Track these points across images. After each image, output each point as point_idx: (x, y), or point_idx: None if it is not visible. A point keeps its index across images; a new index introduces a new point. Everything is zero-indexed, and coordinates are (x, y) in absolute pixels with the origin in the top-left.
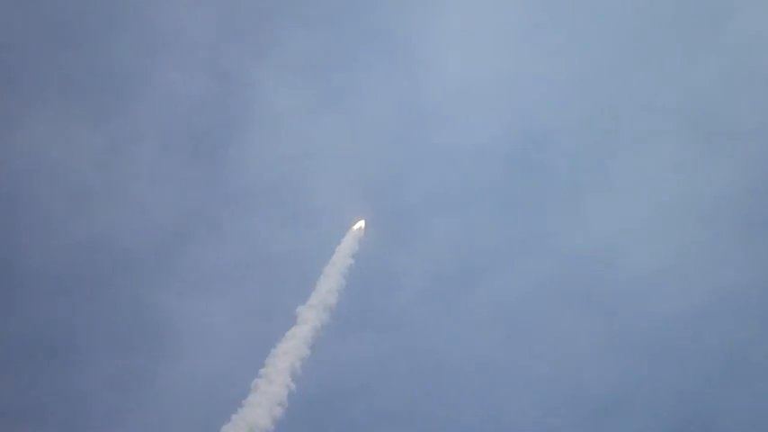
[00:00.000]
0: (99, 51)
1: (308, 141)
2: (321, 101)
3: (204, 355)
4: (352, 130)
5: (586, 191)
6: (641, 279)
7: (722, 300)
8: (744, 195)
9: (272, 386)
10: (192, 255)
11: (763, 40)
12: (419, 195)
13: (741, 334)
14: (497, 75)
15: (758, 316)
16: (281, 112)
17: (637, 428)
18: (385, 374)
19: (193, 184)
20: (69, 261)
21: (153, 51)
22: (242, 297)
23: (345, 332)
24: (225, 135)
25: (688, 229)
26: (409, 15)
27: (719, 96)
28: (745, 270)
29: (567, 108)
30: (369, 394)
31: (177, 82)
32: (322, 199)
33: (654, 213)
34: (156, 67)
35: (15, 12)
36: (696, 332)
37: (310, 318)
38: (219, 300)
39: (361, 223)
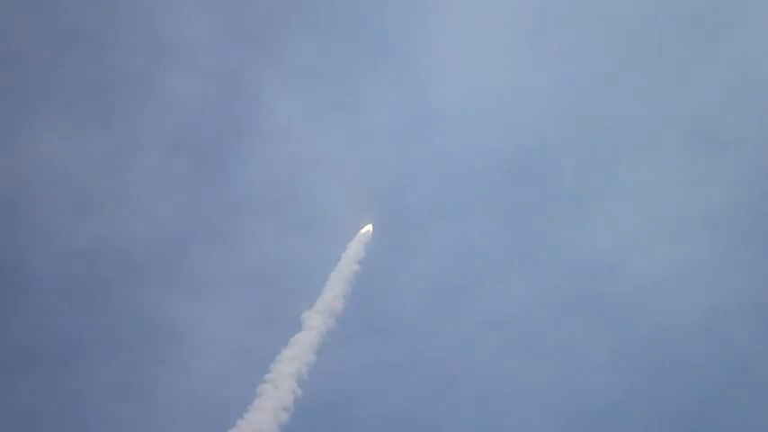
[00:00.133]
0: (104, 56)
1: (313, 148)
2: (326, 108)
3: (209, 360)
4: (358, 138)
5: (589, 200)
6: (643, 289)
7: (724, 309)
8: (747, 205)
9: (278, 391)
10: (197, 260)
11: (765, 52)
12: (423, 203)
13: (743, 344)
14: (502, 83)
15: (760, 326)
16: (286, 119)
17: None
18: (389, 381)
19: (199, 190)
20: (73, 266)
21: (159, 57)
22: (247, 303)
23: (350, 338)
24: (230, 141)
25: (690, 239)
26: (415, 23)
27: (722, 106)
28: (748, 280)
29: (571, 117)
30: (373, 400)
31: (183, 88)
32: (327, 206)
33: (656, 223)
34: (161, 72)
35: (20, 17)
36: (698, 342)
37: (316, 323)
38: (225, 305)
39: (369, 227)
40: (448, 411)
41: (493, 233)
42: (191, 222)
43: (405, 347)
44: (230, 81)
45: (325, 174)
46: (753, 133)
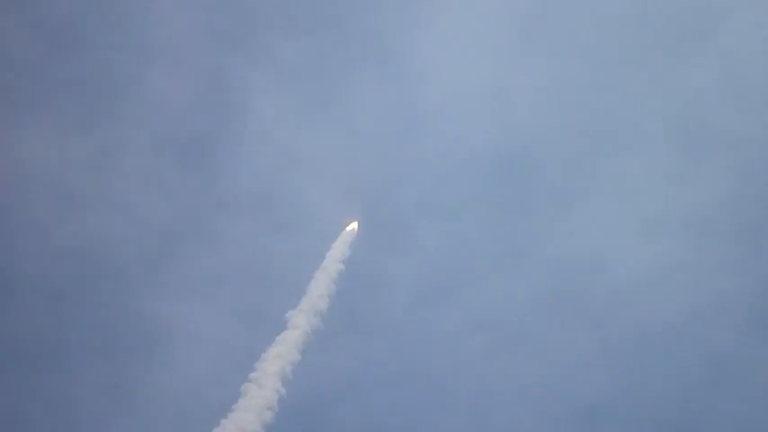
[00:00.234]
0: (90, 56)
1: (299, 147)
2: (312, 107)
3: (194, 359)
4: (344, 137)
5: (576, 199)
6: (629, 288)
7: (710, 308)
8: (732, 204)
9: (262, 390)
10: (182, 259)
11: (753, 48)
12: (409, 202)
13: (729, 342)
14: (488, 83)
15: (746, 324)
16: (271, 118)
17: None
18: (374, 380)
19: (184, 190)
20: (59, 266)
21: (144, 57)
22: (232, 302)
23: (335, 337)
24: (215, 140)
25: (676, 238)
26: (401, 23)
27: (709, 104)
28: (734, 278)
29: (558, 116)
30: (358, 400)
31: (168, 87)
32: (312, 204)
33: (642, 222)
34: (146, 72)
35: (3, 17)
36: (684, 340)
37: (301, 322)
38: (209, 304)
39: (354, 225)
40: (434, 411)
41: (480, 232)
42: (176, 221)
43: (390, 347)
44: (216, 80)
45: (310, 173)
46: (739, 132)
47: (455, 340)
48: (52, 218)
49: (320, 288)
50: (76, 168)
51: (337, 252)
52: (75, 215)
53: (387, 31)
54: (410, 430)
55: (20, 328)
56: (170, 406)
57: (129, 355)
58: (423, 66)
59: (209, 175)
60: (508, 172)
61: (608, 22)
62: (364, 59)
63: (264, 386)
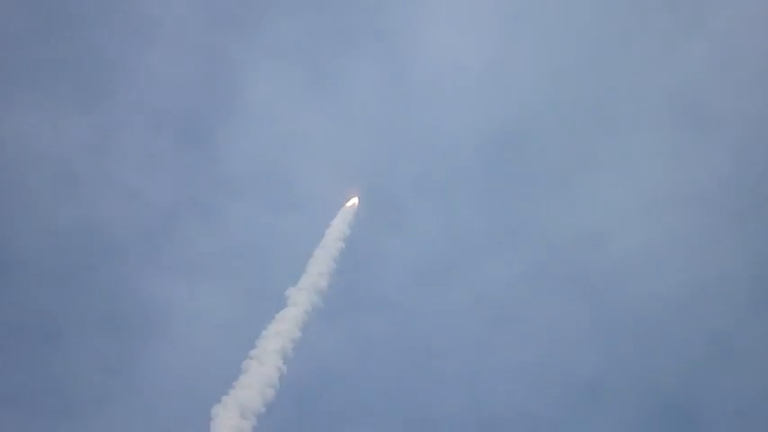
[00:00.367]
0: (86, 37)
1: (296, 126)
2: (309, 86)
3: (194, 336)
4: (341, 115)
5: (574, 177)
6: (628, 264)
7: (708, 284)
8: (730, 180)
9: (263, 367)
10: (181, 239)
11: (750, 26)
12: (407, 180)
13: (727, 318)
14: (485, 60)
15: (744, 300)
16: (269, 97)
17: (622, 412)
18: (374, 357)
19: (182, 169)
20: (58, 246)
21: (141, 37)
22: (232, 280)
23: (335, 315)
24: (214, 120)
25: (674, 214)
26: (397, 1)
27: (707, 81)
28: (732, 255)
29: (555, 93)
30: (358, 377)
31: (166, 67)
32: (311, 182)
33: (640, 198)
34: (144, 52)
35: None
36: (682, 316)
37: (301, 300)
38: (209, 283)
39: (355, 200)
40: (432, 387)
41: (476, 210)
42: (176, 201)
43: (389, 324)
44: (213, 60)
45: (308, 151)
46: (737, 110)
47: (453, 317)
48: (51, 198)
49: (320, 266)
50: (76, 148)
51: (337, 229)
52: (73, 196)
53: (383, 9)
54: (409, 406)
55: (19, 309)
56: (171, 383)
57: (129, 333)
58: (420, 44)
59: (207, 155)
60: (506, 149)
61: None
62: (362, 38)
63: (265, 363)
